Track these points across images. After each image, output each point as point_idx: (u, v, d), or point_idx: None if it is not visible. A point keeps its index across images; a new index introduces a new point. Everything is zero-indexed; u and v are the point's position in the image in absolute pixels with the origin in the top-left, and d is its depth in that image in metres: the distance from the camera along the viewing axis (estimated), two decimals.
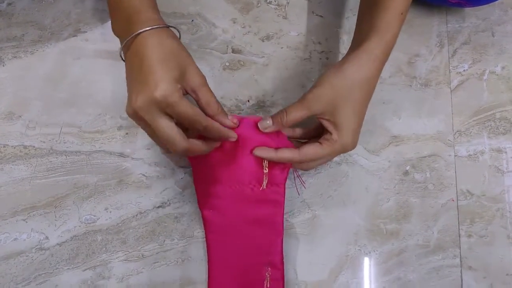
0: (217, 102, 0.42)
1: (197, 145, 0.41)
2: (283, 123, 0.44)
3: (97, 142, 0.52)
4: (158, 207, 0.51)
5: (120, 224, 0.50)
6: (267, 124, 0.44)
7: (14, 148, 0.50)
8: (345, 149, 0.43)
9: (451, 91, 0.58)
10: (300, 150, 0.44)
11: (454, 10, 0.62)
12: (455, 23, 0.61)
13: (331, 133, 0.43)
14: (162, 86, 0.36)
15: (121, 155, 0.52)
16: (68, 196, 0.50)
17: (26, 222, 0.49)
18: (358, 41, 0.44)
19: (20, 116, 0.51)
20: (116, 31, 0.42)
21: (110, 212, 0.50)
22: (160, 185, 0.52)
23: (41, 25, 0.54)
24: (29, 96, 0.52)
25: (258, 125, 0.45)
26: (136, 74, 0.38)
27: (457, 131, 0.57)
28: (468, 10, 0.62)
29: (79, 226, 0.50)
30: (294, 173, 0.53)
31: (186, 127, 0.40)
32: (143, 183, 0.51)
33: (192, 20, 0.56)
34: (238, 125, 0.45)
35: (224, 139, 0.43)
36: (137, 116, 0.38)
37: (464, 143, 0.57)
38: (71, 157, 0.51)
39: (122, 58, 0.42)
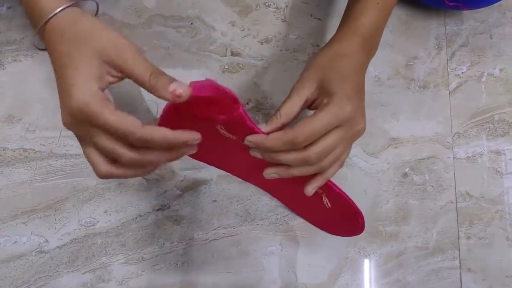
0: (149, 71, 0.32)
1: (152, 156, 0.33)
2: (278, 124, 0.38)
3: None
4: (158, 209, 0.51)
5: (119, 227, 0.50)
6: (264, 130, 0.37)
7: (14, 151, 0.51)
8: (343, 111, 0.35)
9: (449, 93, 0.59)
10: (292, 130, 0.35)
11: (452, 12, 0.62)
12: (453, 25, 0.62)
13: (322, 102, 0.37)
14: (76, 94, 0.30)
15: None
16: (68, 199, 0.50)
17: (26, 225, 0.49)
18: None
19: (20, 119, 0.51)
20: (31, 22, 0.37)
21: (110, 215, 0.51)
22: (159, 188, 0.52)
23: None
24: (29, 99, 0.52)
25: (251, 139, 0.36)
26: (55, 74, 0.33)
27: (456, 133, 0.57)
28: (466, 12, 0.62)
29: (79, 229, 0.50)
30: None
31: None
32: (143, 186, 0.52)
33: (191, 23, 0.56)
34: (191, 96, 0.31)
35: (180, 145, 0.33)
36: (73, 133, 0.33)
37: (463, 145, 0.57)
38: (71, 160, 0.51)
39: (38, 48, 0.37)
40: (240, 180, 0.52)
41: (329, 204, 0.45)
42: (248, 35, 0.57)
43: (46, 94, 0.52)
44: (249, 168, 0.45)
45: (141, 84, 0.33)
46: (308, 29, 0.58)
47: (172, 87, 0.31)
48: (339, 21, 0.45)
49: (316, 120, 0.35)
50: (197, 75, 0.54)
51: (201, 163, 0.51)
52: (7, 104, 0.52)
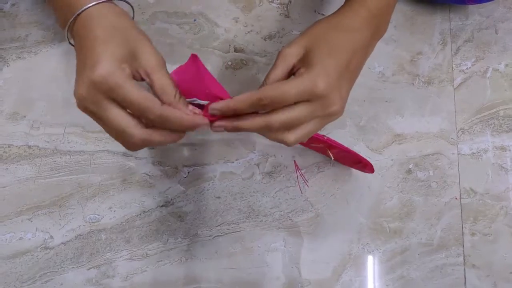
0: (175, 88, 0.34)
1: (158, 135, 0.33)
2: None
3: (100, 141, 0.52)
4: (162, 206, 0.51)
5: (124, 223, 0.51)
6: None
7: (19, 148, 0.51)
8: (315, 87, 0.33)
9: (454, 89, 0.58)
10: (259, 90, 0.34)
11: (457, 7, 0.61)
12: (458, 20, 0.61)
13: (299, 71, 0.36)
14: (102, 65, 0.30)
15: (125, 154, 0.52)
16: (73, 196, 0.50)
17: (31, 221, 0.50)
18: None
19: (25, 116, 0.52)
20: (60, 20, 0.37)
21: (114, 211, 0.51)
22: (163, 184, 0.52)
23: (45, 26, 0.54)
24: (33, 96, 0.52)
25: (216, 106, 0.35)
26: (78, 58, 0.33)
27: (460, 129, 0.57)
28: (471, 7, 0.62)
29: (84, 225, 0.50)
30: (297, 171, 0.53)
31: (139, 118, 0.33)
32: (147, 182, 0.52)
33: (195, 20, 0.56)
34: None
35: (191, 128, 0.34)
36: (84, 108, 0.32)
37: (467, 141, 0.57)
38: (75, 157, 0.51)
39: (71, 44, 0.37)
40: (243, 176, 0.53)
41: (332, 156, 0.49)
42: (251, 31, 0.57)
43: (50, 91, 0.53)
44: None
45: (164, 93, 0.33)
46: None
47: (190, 107, 0.34)
48: None
49: (285, 87, 0.33)
50: None
51: (204, 161, 0.51)
52: (12, 101, 0.52)
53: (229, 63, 0.56)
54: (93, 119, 0.33)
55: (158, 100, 0.32)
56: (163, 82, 0.33)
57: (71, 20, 0.34)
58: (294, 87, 0.33)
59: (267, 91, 0.33)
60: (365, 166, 0.50)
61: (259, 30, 0.57)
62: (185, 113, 0.33)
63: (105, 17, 0.33)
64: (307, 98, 0.34)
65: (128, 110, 0.32)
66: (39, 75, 0.53)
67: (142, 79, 0.34)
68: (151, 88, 0.34)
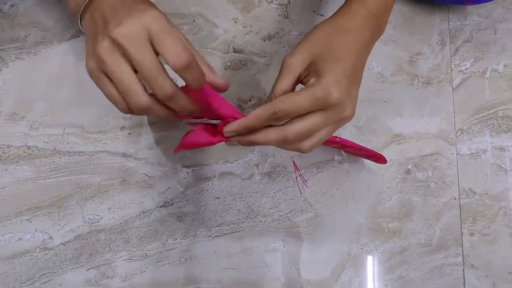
0: (190, 53, 0.33)
1: (157, 107, 0.33)
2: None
3: (100, 142, 0.52)
4: (161, 206, 0.51)
5: (123, 224, 0.51)
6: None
7: (18, 148, 0.51)
8: (328, 96, 0.34)
9: (453, 89, 0.58)
10: (272, 103, 0.35)
11: (456, 8, 0.61)
12: (457, 21, 0.61)
13: (309, 81, 0.36)
14: (129, 22, 0.30)
15: (124, 155, 0.52)
16: (72, 196, 0.51)
17: (30, 222, 0.50)
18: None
19: (24, 117, 0.52)
20: (71, 5, 0.37)
21: (113, 211, 0.51)
22: (163, 184, 0.52)
23: (44, 26, 0.54)
24: (33, 97, 0.52)
25: (230, 128, 0.36)
26: (96, 23, 0.33)
27: (459, 129, 0.57)
28: (470, 8, 0.62)
29: (83, 225, 0.50)
30: (296, 172, 0.53)
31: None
32: (146, 183, 0.52)
33: (194, 20, 0.56)
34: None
35: (193, 112, 0.35)
36: (98, 63, 0.32)
37: (466, 141, 0.57)
38: (74, 157, 0.51)
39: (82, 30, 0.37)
40: (243, 177, 0.53)
41: (345, 155, 0.50)
42: (250, 31, 0.57)
43: (49, 92, 0.53)
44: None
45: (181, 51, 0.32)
46: (311, 25, 0.58)
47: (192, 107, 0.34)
48: None
49: (297, 99, 0.34)
50: None
51: (204, 161, 0.51)
52: (11, 102, 0.52)
53: (228, 63, 0.56)
54: (99, 77, 0.33)
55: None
56: (176, 42, 0.33)
57: (87, 1, 0.34)
58: (307, 98, 0.34)
59: (281, 104, 0.34)
60: (378, 159, 0.51)
61: (258, 30, 0.57)
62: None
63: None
64: (320, 108, 0.34)
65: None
66: (38, 76, 0.53)
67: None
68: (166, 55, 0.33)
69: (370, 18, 0.38)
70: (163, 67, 0.32)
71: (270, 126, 0.36)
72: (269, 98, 0.38)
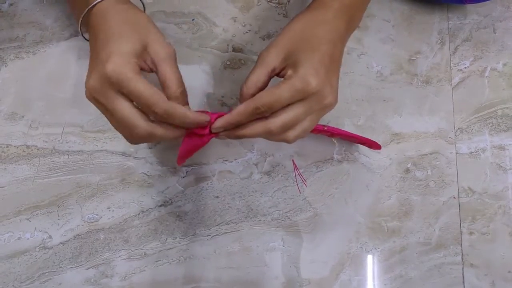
0: (179, 81, 0.36)
1: (161, 129, 0.35)
2: (244, 93, 0.38)
3: (99, 141, 0.52)
4: (160, 205, 0.51)
5: (122, 223, 0.51)
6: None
7: (17, 148, 0.51)
8: (307, 86, 0.34)
9: (452, 88, 0.58)
10: (253, 98, 0.35)
11: (455, 6, 0.61)
12: (456, 20, 0.61)
13: (287, 73, 0.37)
14: (113, 59, 0.32)
15: (123, 154, 0.52)
16: (71, 196, 0.51)
17: (30, 221, 0.50)
18: None
19: (23, 116, 0.52)
20: (76, 13, 0.39)
21: (113, 211, 0.51)
22: (162, 184, 0.52)
23: (43, 26, 0.54)
24: (32, 96, 0.52)
25: (218, 124, 0.38)
26: (92, 50, 0.35)
27: (459, 128, 0.57)
28: (469, 6, 0.62)
29: (82, 225, 0.50)
30: (296, 171, 0.53)
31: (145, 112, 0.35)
32: (145, 182, 0.52)
33: (193, 19, 0.56)
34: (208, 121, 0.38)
35: (193, 125, 0.37)
36: (93, 99, 0.34)
37: (466, 140, 0.57)
38: (74, 157, 0.51)
39: (85, 38, 0.39)
40: (242, 176, 0.53)
41: (335, 142, 0.51)
42: (249, 30, 0.57)
43: (48, 91, 0.53)
44: None
45: (169, 86, 0.35)
46: None
47: (194, 113, 0.35)
48: None
49: (277, 92, 0.34)
50: (199, 71, 0.54)
51: (203, 160, 0.51)
52: (10, 101, 0.52)
53: (228, 62, 0.56)
54: (100, 109, 0.35)
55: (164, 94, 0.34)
56: (167, 75, 0.35)
57: (85, 12, 0.35)
58: (287, 90, 0.34)
59: (262, 99, 0.35)
60: (371, 145, 0.52)
61: (258, 29, 0.57)
62: (177, 113, 0.34)
63: (118, 11, 0.35)
64: (300, 98, 0.35)
65: (135, 104, 0.34)
66: (37, 75, 0.53)
67: (152, 70, 0.35)
68: (159, 80, 0.35)
69: (344, 9, 0.39)
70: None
71: (256, 119, 0.37)
72: (240, 90, 0.38)
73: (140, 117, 0.34)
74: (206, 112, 0.38)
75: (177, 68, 0.36)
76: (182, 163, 0.42)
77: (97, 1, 0.35)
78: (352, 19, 0.40)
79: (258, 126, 0.36)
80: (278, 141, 0.38)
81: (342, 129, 0.49)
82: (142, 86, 0.32)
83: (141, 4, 0.41)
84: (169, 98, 0.35)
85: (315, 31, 0.37)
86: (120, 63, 0.32)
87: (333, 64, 0.37)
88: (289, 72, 0.36)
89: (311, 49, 0.36)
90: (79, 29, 0.38)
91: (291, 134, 0.37)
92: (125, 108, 0.33)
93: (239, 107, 0.36)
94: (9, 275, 0.48)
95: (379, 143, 0.51)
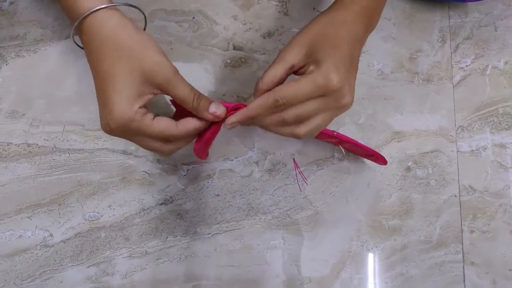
0: (192, 94, 0.37)
1: (182, 142, 0.39)
2: (259, 88, 0.38)
3: (100, 139, 0.52)
4: (161, 204, 0.51)
5: (123, 221, 0.51)
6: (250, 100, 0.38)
7: (18, 146, 0.51)
8: (328, 82, 0.34)
9: (453, 86, 0.58)
10: (273, 90, 0.36)
11: (457, 4, 0.61)
12: (458, 18, 0.61)
13: (308, 69, 0.37)
14: (117, 113, 0.33)
15: (124, 152, 0.52)
16: (72, 194, 0.51)
17: (31, 219, 0.50)
18: None
19: (24, 115, 0.52)
20: (67, 16, 0.37)
21: (114, 209, 0.51)
22: (163, 182, 0.52)
23: (43, 24, 0.54)
24: (32, 94, 0.52)
25: (233, 119, 0.38)
26: (94, 81, 0.36)
27: (460, 126, 0.57)
28: (470, 4, 0.62)
29: (83, 223, 0.50)
30: (296, 169, 0.53)
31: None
32: (146, 180, 0.52)
33: (193, 18, 0.56)
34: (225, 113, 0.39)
35: (211, 119, 0.39)
36: (115, 135, 0.36)
37: (467, 138, 0.57)
38: (75, 155, 0.51)
39: (77, 44, 0.38)
40: (242, 174, 0.53)
41: (344, 151, 0.50)
42: (250, 29, 0.57)
43: (49, 89, 0.53)
44: None
45: (184, 103, 0.37)
46: None
47: (212, 109, 0.37)
48: None
49: (298, 86, 0.35)
50: (199, 69, 0.54)
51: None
52: (11, 100, 0.52)
53: (228, 61, 0.56)
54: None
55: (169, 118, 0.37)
56: (179, 94, 0.36)
57: (73, 28, 0.35)
58: (308, 84, 0.35)
59: (282, 91, 0.35)
60: (377, 158, 0.51)
61: (258, 28, 0.57)
62: (206, 117, 0.38)
63: (110, 39, 0.34)
64: (320, 94, 0.35)
65: None
66: (38, 73, 0.53)
67: (163, 92, 0.36)
68: (174, 98, 0.37)
69: (363, 12, 0.39)
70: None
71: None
72: (256, 85, 0.38)
73: (162, 144, 0.37)
74: (222, 103, 0.39)
75: (184, 82, 0.36)
76: (205, 156, 0.43)
77: (88, 13, 0.33)
78: (370, 21, 0.40)
79: (273, 115, 0.37)
80: (288, 136, 0.38)
81: (351, 137, 0.48)
82: (153, 128, 0.35)
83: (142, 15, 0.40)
84: (192, 111, 0.37)
85: (336, 31, 0.37)
86: (125, 116, 0.33)
87: (352, 65, 0.37)
88: (311, 67, 0.36)
89: (333, 47, 0.36)
90: (72, 37, 0.37)
91: (303, 129, 0.37)
92: (147, 142, 0.37)
93: (259, 99, 0.36)
94: (10, 273, 0.48)
95: (383, 151, 0.51)
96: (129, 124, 0.34)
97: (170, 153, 0.39)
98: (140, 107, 0.34)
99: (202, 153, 0.44)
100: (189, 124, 0.37)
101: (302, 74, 0.37)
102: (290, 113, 0.36)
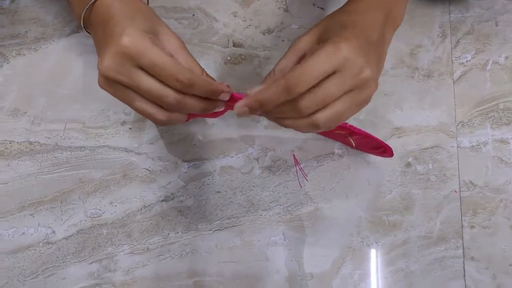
0: (200, 66, 0.35)
1: (192, 100, 0.33)
2: (270, 78, 0.36)
3: (101, 137, 0.52)
4: (162, 200, 0.52)
5: (125, 218, 0.51)
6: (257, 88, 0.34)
7: (20, 144, 0.51)
8: (338, 50, 0.31)
9: (453, 82, 0.58)
10: (283, 75, 0.32)
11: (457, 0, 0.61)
12: (458, 13, 0.61)
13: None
14: (129, 32, 0.30)
15: (125, 150, 0.52)
16: (74, 191, 0.51)
17: (33, 216, 0.50)
18: None
19: (25, 113, 0.52)
20: (76, 8, 0.37)
21: (115, 206, 0.51)
22: (164, 179, 0.52)
23: (44, 22, 0.55)
24: (34, 92, 0.53)
25: (248, 92, 0.35)
26: (101, 38, 0.33)
27: (460, 122, 0.57)
28: None
29: (85, 220, 0.51)
30: (296, 165, 0.53)
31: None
32: (147, 177, 0.52)
33: (193, 15, 0.56)
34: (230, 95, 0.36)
35: (216, 93, 0.34)
36: (109, 82, 0.32)
37: (467, 134, 0.57)
38: (76, 153, 0.52)
39: (87, 31, 0.38)
40: (243, 171, 0.53)
41: (353, 143, 0.49)
42: (250, 25, 0.57)
43: (50, 87, 0.53)
44: None
45: (192, 72, 0.33)
46: (311, 18, 0.58)
47: (214, 83, 0.34)
48: None
49: (307, 62, 0.31)
50: None
51: (204, 155, 0.51)
52: (12, 98, 0.52)
53: (228, 58, 0.56)
54: (119, 94, 0.33)
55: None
56: (188, 61, 0.34)
57: (88, 5, 0.35)
58: (316, 58, 0.31)
59: (291, 72, 0.31)
60: (385, 151, 0.51)
61: (258, 24, 0.57)
62: (215, 88, 0.33)
63: (125, 3, 0.34)
64: (333, 68, 0.31)
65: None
66: (39, 72, 0.53)
67: None
68: None
69: (379, 2, 0.38)
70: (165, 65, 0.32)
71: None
72: (269, 75, 0.36)
73: (166, 87, 0.32)
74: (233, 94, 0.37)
75: (191, 55, 0.35)
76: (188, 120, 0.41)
77: None
78: (390, 12, 0.38)
79: (286, 105, 0.32)
80: (307, 128, 0.34)
81: (362, 129, 0.47)
82: (163, 55, 0.30)
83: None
84: (199, 81, 0.33)
85: (349, 17, 0.36)
86: (137, 35, 0.30)
87: (370, 45, 0.34)
88: (320, 45, 0.33)
89: (344, 27, 0.34)
90: (81, 23, 0.37)
91: (321, 115, 0.32)
92: (149, 79, 0.31)
93: (270, 85, 0.32)
94: (14, 270, 0.49)
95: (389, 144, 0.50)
96: (139, 41, 0.30)
97: (171, 105, 0.33)
98: (151, 38, 0.32)
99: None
100: (202, 76, 0.33)
101: None
102: (304, 99, 0.31)
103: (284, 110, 0.33)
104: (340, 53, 0.31)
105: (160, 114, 0.34)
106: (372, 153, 0.54)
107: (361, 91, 0.33)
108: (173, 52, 0.34)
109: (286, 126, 0.35)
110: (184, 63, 0.34)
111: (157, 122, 0.35)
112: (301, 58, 0.36)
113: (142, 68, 0.31)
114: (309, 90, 0.31)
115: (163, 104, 0.32)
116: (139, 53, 0.30)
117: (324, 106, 0.32)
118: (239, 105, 0.33)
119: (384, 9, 0.38)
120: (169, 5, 0.56)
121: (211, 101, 0.35)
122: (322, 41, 0.35)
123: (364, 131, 0.48)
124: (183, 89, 0.32)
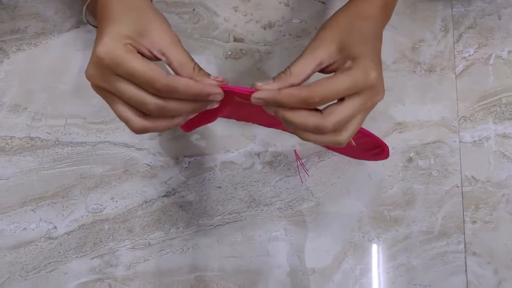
0: (193, 61, 0.34)
1: (175, 103, 0.32)
2: (287, 83, 0.35)
3: (102, 132, 0.52)
4: (164, 196, 0.52)
5: (126, 213, 0.51)
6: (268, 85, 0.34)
7: (21, 139, 0.51)
8: (367, 77, 0.33)
9: (456, 76, 0.58)
10: (308, 86, 0.32)
11: None
12: (461, 6, 0.60)
13: (344, 65, 0.34)
14: (105, 41, 0.30)
15: (126, 145, 0.52)
16: (75, 186, 0.51)
17: (35, 212, 0.50)
18: None
19: (26, 108, 0.52)
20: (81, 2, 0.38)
21: (116, 201, 0.51)
22: (165, 174, 0.52)
23: (44, 17, 0.54)
24: (34, 88, 0.52)
25: (257, 86, 0.34)
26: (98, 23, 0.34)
27: (462, 117, 0.57)
28: None
29: (86, 215, 0.51)
30: (298, 161, 0.53)
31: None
32: (148, 173, 0.52)
33: (194, 9, 0.56)
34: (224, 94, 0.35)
35: (202, 96, 0.33)
36: (95, 87, 0.32)
37: (469, 129, 0.56)
38: (77, 148, 0.52)
39: (93, 25, 0.38)
40: (244, 166, 0.53)
41: (353, 143, 0.48)
42: (251, 20, 0.57)
43: (51, 83, 0.53)
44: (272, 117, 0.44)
45: (183, 68, 0.33)
46: (312, 13, 0.58)
47: (212, 77, 0.34)
48: (342, 5, 0.44)
49: (336, 82, 0.32)
50: (201, 61, 0.54)
51: (205, 151, 0.51)
52: (13, 94, 0.52)
53: (229, 52, 0.55)
54: (106, 99, 0.33)
55: (175, 73, 0.32)
56: (179, 57, 0.33)
57: (87, 3, 0.35)
58: (345, 81, 0.32)
59: (318, 90, 0.32)
60: (382, 151, 0.50)
61: (259, 19, 0.57)
62: (204, 82, 0.33)
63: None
64: (356, 91, 0.33)
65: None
66: (39, 67, 0.53)
67: (158, 59, 0.34)
68: (169, 66, 0.34)
69: (384, 7, 0.38)
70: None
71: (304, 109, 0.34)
72: (284, 74, 0.35)
73: (147, 93, 0.31)
74: (230, 88, 0.35)
75: (185, 51, 0.34)
76: (188, 131, 0.40)
77: None
78: (387, 16, 0.40)
79: (311, 119, 0.33)
80: (328, 143, 0.35)
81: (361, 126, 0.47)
82: (137, 63, 0.30)
83: None
84: (189, 78, 0.33)
85: (364, 25, 0.36)
86: (111, 44, 0.30)
87: (380, 59, 0.36)
88: (348, 63, 0.34)
89: (365, 42, 0.35)
90: (84, 17, 0.38)
91: (345, 135, 0.34)
92: (129, 87, 0.31)
93: (290, 89, 0.33)
94: (16, 265, 0.49)
95: (385, 143, 0.49)
96: (111, 52, 0.30)
97: (153, 111, 0.32)
98: (130, 45, 0.32)
99: (187, 127, 0.41)
100: (181, 80, 0.32)
101: (331, 72, 0.36)
102: (330, 119, 0.32)
103: (306, 124, 0.33)
104: (368, 80, 0.33)
105: (134, 122, 0.33)
106: (367, 156, 0.53)
107: (371, 109, 0.35)
108: (164, 49, 0.34)
109: (308, 141, 0.36)
110: (174, 60, 0.33)
111: (133, 130, 0.34)
112: (318, 66, 0.36)
113: (121, 76, 0.31)
114: (330, 107, 0.33)
115: (145, 111, 0.32)
116: (113, 64, 0.30)
117: (346, 126, 0.34)
118: (256, 96, 0.33)
119: (386, 13, 0.39)
120: (170, 0, 0.56)
121: (199, 101, 0.34)
122: (343, 52, 0.35)
123: (364, 129, 0.47)
124: (164, 96, 0.32)
